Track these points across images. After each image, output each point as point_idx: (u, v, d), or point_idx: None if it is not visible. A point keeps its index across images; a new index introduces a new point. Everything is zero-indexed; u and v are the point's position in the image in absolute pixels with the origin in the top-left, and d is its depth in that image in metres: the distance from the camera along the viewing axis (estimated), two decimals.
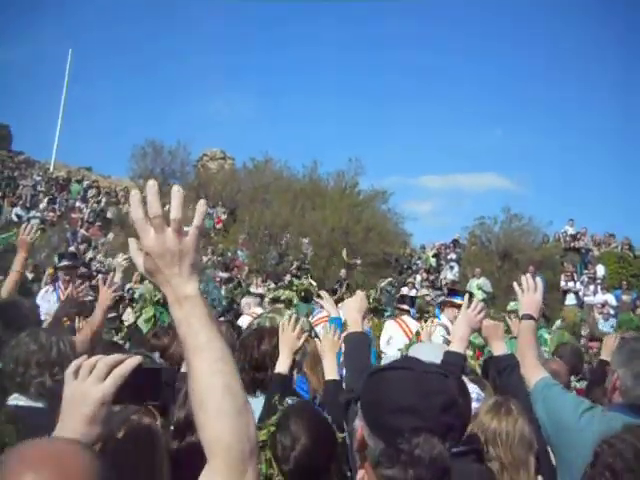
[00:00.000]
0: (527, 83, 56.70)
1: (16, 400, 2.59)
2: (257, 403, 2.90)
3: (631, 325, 12.40)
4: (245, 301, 9.31)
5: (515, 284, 3.21)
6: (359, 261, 19.97)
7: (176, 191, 1.32)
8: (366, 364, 3.06)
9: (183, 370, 2.80)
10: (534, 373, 2.87)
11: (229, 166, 32.06)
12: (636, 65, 53.32)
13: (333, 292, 11.90)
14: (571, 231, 22.76)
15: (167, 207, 1.31)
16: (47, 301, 6.78)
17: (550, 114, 56.87)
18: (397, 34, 60.56)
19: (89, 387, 1.38)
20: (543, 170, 54.21)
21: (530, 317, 3.07)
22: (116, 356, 1.45)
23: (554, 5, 57.02)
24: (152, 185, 1.30)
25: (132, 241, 1.38)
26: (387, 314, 10.27)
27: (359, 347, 3.14)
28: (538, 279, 3.20)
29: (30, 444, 1.13)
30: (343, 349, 3.36)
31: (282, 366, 3.13)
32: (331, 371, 3.31)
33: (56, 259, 4.12)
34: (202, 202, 1.39)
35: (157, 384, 1.43)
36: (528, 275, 3.27)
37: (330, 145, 53.21)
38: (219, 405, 1.22)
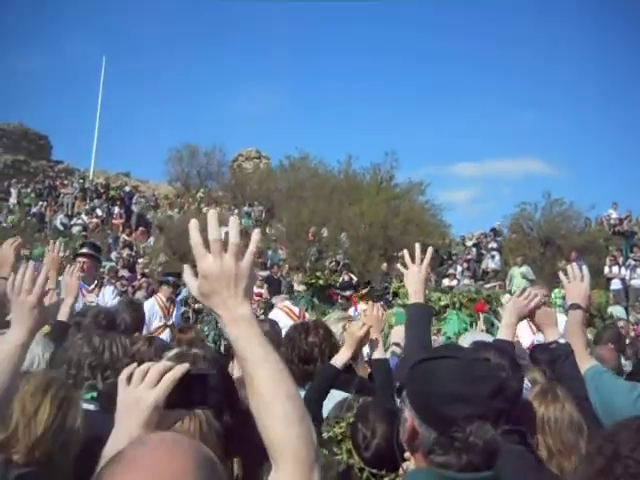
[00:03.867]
0: (558, 66, 55.54)
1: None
2: None
3: None
4: (275, 299, 9.51)
5: (561, 273, 3.16)
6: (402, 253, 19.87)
7: (234, 219, 1.44)
8: (427, 337, 3.03)
9: None
10: (583, 362, 2.84)
11: (264, 165, 32.24)
12: None
13: (366, 285, 11.75)
14: (615, 214, 22.28)
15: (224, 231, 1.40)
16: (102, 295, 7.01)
17: (582, 96, 55.76)
18: (426, 21, 60.02)
19: (142, 392, 1.46)
20: (581, 152, 53.41)
21: (578, 307, 3.04)
22: (165, 363, 1.54)
23: None
24: (212, 213, 1.40)
25: (187, 267, 1.45)
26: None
27: (421, 319, 3.07)
28: (584, 267, 3.15)
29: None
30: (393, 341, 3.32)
31: (378, 351, 3.25)
32: (378, 350, 3.31)
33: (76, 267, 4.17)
34: (257, 231, 1.49)
35: (205, 389, 1.50)
36: (574, 264, 3.22)
37: (364, 138, 53.15)
38: (285, 411, 1.31)
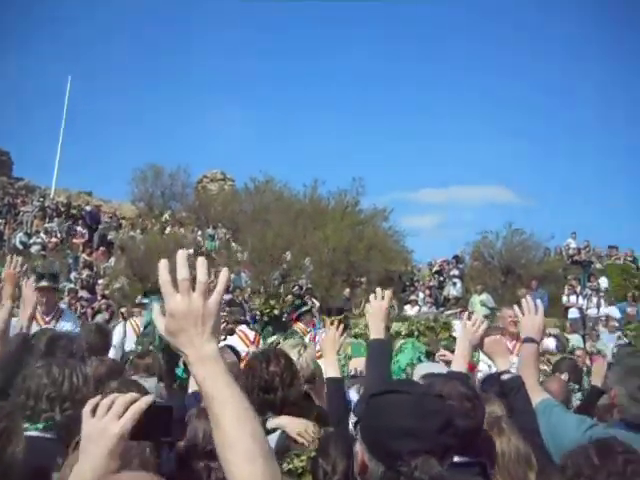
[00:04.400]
0: (524, 94, 56.77)
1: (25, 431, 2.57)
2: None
3: None
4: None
5: (516, 307, 3.20)
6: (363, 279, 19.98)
7: (202, 260, 1.43)
8: (387, 372, 3.08)
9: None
10: (535, 395, 2.86)
11: (229, 187, 32.14)
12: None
13: (339, 311, 11.81)
14: (574, 244, 22.80)
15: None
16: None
17: (549, 124, 57.10)
18: (393, 47, 60.93)
19: (108, 424, 1.47)
20: (544, 182, 54.34)
21: (532, 340, 3.06)
22: (132, 395, 1.55)
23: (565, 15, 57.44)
24: (181, 253, 1.42)
25: (156, 305, 1.47)
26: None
27: (381, 355, 3.12)
28: (539, 301, 3.19)
29: None
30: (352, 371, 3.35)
31: (331, 370, 3.31)
32: (332, 369, 3.35)
33: (33, 279, 4.06)
34: (225, 270, 1.52)
35: (169, 421, 1.53)
36: (528, 297, 3.26)
37: (330, 162, 53.33)
38: (250, 449, 1.31)
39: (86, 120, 58.80)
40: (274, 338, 6.84)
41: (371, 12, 59.75)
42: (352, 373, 3.96)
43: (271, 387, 3.14)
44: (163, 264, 1.40)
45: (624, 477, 1.79)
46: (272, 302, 9.02)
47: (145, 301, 7.76)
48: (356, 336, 7.37)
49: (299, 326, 9.07)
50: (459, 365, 3.07)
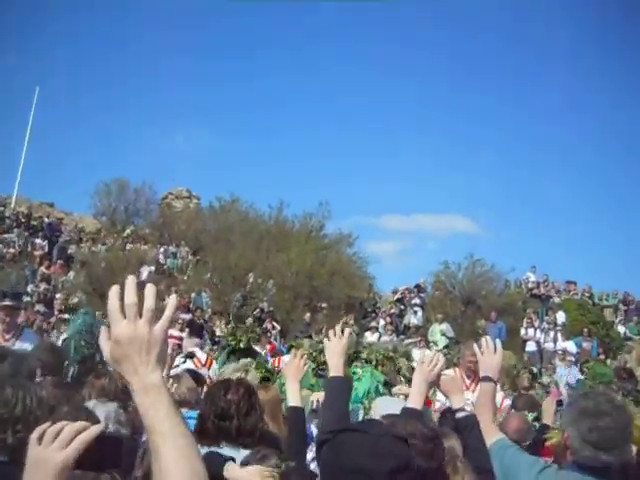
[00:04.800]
0: (482, 127, 57.77)
1: None
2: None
3: (604, 379, 12.11)
4: (185, 342, 9.46)
5: (475, 346, 3.24)
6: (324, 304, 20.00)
7: (150, 286, 1.40)
8: (345, 410, 3.04)
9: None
10: (489, 435, 2.87)
11: (194, 205, 31.98)
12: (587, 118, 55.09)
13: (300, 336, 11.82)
14: (533, 278, 23.20)
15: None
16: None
17: (510, 159, 58.15)
18: (360, 70, 61.52)
19: (52, 453, 1.43)
20: (506, 214, 55.18)
21: (489, 379, 3.10)
22: (81, 423, 1.50)
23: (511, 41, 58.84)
24: (131, 280, 1.39)
25: (103, 329, 1.43)
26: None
27: (339, 392, 3.09)
28: (498, 341, 3.23)
29: None
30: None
31: (293, 398, 3.35)
32: (293, 398, 3.37)
33: None
34: (174, 297, 1.49)
35: (118, 452, 1.49)
36: (488, 337, 3.30)
37: (295, 184, 53.38)
38: None
39: (52, 131, 57.97)
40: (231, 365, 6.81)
41: (336, 31, 60.25)
42: (314, 407, 3.93)
43: (227, 415, 3.15)
44: (114, 290, 1.38)
45: None
46: (239, 334, 8.93)
47: (66, 316, 7.75)
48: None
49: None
50: (415, 402, 3.08)
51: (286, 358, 5.91)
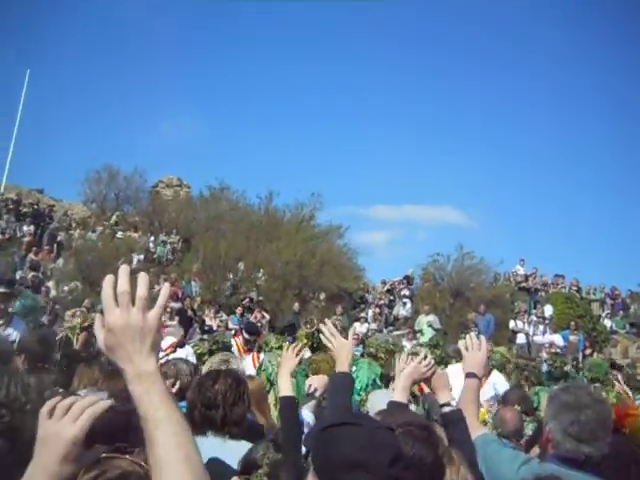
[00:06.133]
0: (473, 117, 57.88)
1: None
2: (207, 444, 2.86)
3: (600, 371, 12.16)
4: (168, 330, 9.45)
5: (460, 344, 3.28)
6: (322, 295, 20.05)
7: (142, 276, 1.41)
8: (348, 405, 3.09)
9: None
10: (473, 430, 2.91)
11: (185, 193, 31.82)
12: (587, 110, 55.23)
13: (292, 328, 11.82)
14: (522, 271, 23.30)
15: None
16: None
17: (501, 149, 58.27)
18: (349, 62, 61.36)
19: (63, 427, 1.44)
20: (497, 206, 55.37)
21: (474, 375, 3.15)
22: (90, 398, 1.52)
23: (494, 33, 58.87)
24: (124, 268, 1.40)
25: (98, 317, 1.43)
26: None
27: (343, 388, 3.15)
28: (482, 337, 3.28)
29: None
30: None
31: (284, 388, 3.37)
32: (285, 388, 3.41)
33: None
34: (167, 285, 1.51)
35: (127, 426, 1.50)
36: (472, 334, 3.35)
37: (286, 173, 53.36)
38: (182, 474, 1.28)
39: (43, 117, 57.48)
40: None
41: (324, 23, 60.14)
42: (310, 391, 3.96)
43: (213, 404, 3.18)
44: (108, 279, 1.38)
45: None
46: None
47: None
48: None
49: (237, 341, 9.04)
50: (401, 397, 3.14)
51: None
